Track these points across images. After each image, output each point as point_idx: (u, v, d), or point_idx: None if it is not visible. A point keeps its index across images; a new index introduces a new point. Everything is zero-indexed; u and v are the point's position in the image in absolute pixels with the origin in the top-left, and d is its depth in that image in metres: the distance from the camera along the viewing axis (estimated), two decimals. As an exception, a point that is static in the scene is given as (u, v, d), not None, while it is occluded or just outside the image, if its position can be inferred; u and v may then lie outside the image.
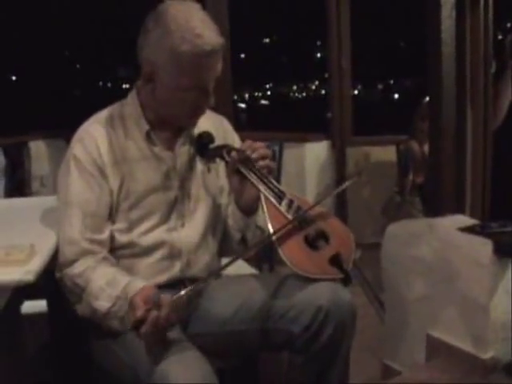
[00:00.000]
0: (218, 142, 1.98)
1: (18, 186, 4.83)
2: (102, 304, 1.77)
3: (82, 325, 1.97)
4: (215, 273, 1.98)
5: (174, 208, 1.95)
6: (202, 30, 1.78)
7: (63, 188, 1.90)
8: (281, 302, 1.87)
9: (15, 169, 4.95)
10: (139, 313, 1.60)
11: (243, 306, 1.91)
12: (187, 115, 1.92)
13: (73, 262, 1.84)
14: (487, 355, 2.38)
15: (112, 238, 1.90)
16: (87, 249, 1.85)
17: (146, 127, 1.92)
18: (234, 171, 1.89)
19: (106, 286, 1.78)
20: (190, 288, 1.64)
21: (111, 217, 1.90)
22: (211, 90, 1.87)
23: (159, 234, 1.93)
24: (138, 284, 1.75)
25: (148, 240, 1.92)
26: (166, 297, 1.62)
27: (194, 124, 1.97)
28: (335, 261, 1.84)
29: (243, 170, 1.87)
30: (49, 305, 2.26)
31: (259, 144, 1.91)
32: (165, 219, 1.94)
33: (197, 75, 1.82)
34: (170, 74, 1.81)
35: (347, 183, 2.24)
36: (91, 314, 1.81)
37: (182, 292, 1.61)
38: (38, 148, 5.34)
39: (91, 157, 1.88)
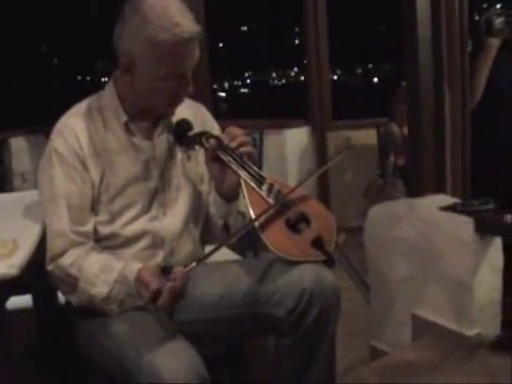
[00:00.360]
0: (196, 129, 1.98)
1: (0, 183, 4.81)
2: (101, 290, 1.79)
3: (68, 318, 1.98)
4: (214, 250, 1.96)
5: (156, 197, 1.95)
6: (180, 19, 1.78)
7: (47, 182, 1.90)
8: (265, 286, 1.88)
9: (-3, 166, 4.93)
10: (154, 285, 1.60)
11: (228, 292, 1.92)
12: (166, 104, 1.92)
13: (62, 253, 1.84)
14: (472, 332, 2.40)
15: (94, 230, 1.90)
16: (76, 240, 1.85)
17: (125, 118, 1.92)
18: (213, 158, 1.89)
19: (100, 272, 1.80)
20: (199, 259, 1.67)
21: (94, 209, 1.91)
22: (190, 78, 1.87)
23: (141, 224, 1.93)
24: (135, 265, 1.77)
25: (130, 230, 1.92)
26: (179, 268, 1.64)
27: (172, 113, 1.97)
28: (317, 243, 1.85)
29: (222, 156, 1.87)
30: (34, 299, 2.25)
31: (238, 131, 1.91)
32: (146, 209, 1.94)
33: (175, 63, 1.81)
34: (149, 63, 1.80)
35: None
36: (88, 301, 1.83)
37: (193, 263, 1.64)
38: (18, 144, 5.31)
39: (72, 150, 1.88)
